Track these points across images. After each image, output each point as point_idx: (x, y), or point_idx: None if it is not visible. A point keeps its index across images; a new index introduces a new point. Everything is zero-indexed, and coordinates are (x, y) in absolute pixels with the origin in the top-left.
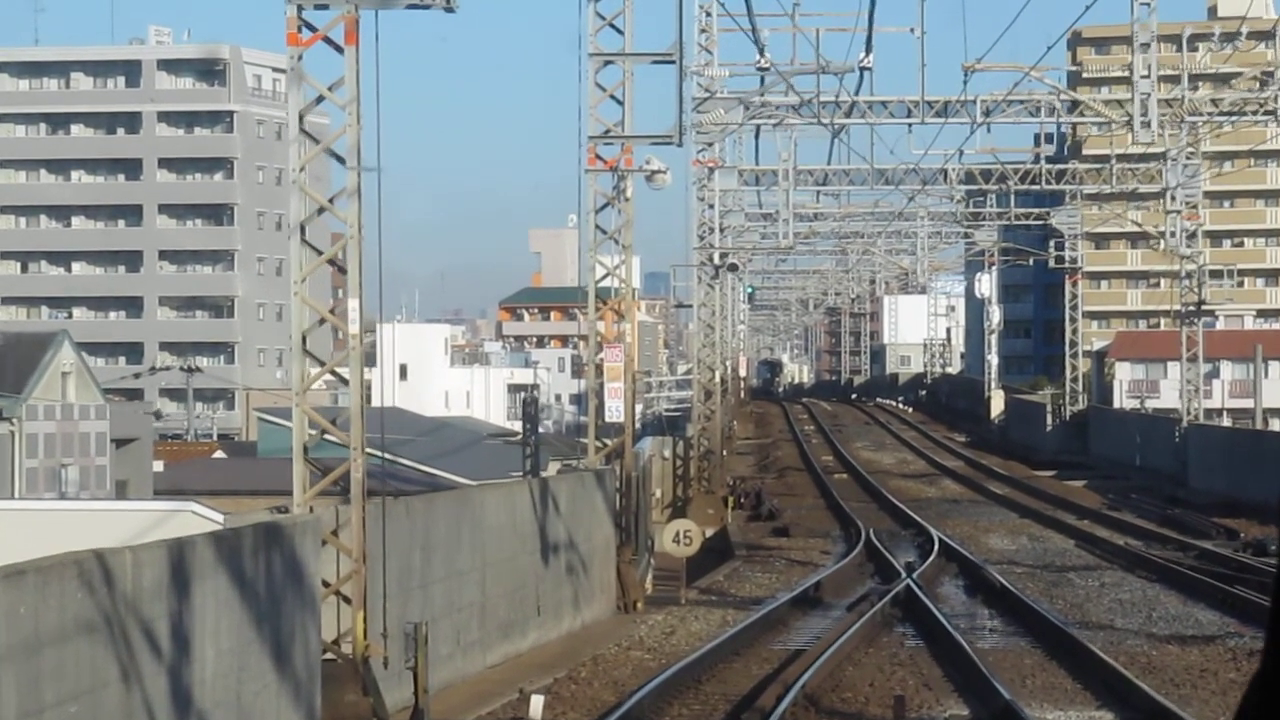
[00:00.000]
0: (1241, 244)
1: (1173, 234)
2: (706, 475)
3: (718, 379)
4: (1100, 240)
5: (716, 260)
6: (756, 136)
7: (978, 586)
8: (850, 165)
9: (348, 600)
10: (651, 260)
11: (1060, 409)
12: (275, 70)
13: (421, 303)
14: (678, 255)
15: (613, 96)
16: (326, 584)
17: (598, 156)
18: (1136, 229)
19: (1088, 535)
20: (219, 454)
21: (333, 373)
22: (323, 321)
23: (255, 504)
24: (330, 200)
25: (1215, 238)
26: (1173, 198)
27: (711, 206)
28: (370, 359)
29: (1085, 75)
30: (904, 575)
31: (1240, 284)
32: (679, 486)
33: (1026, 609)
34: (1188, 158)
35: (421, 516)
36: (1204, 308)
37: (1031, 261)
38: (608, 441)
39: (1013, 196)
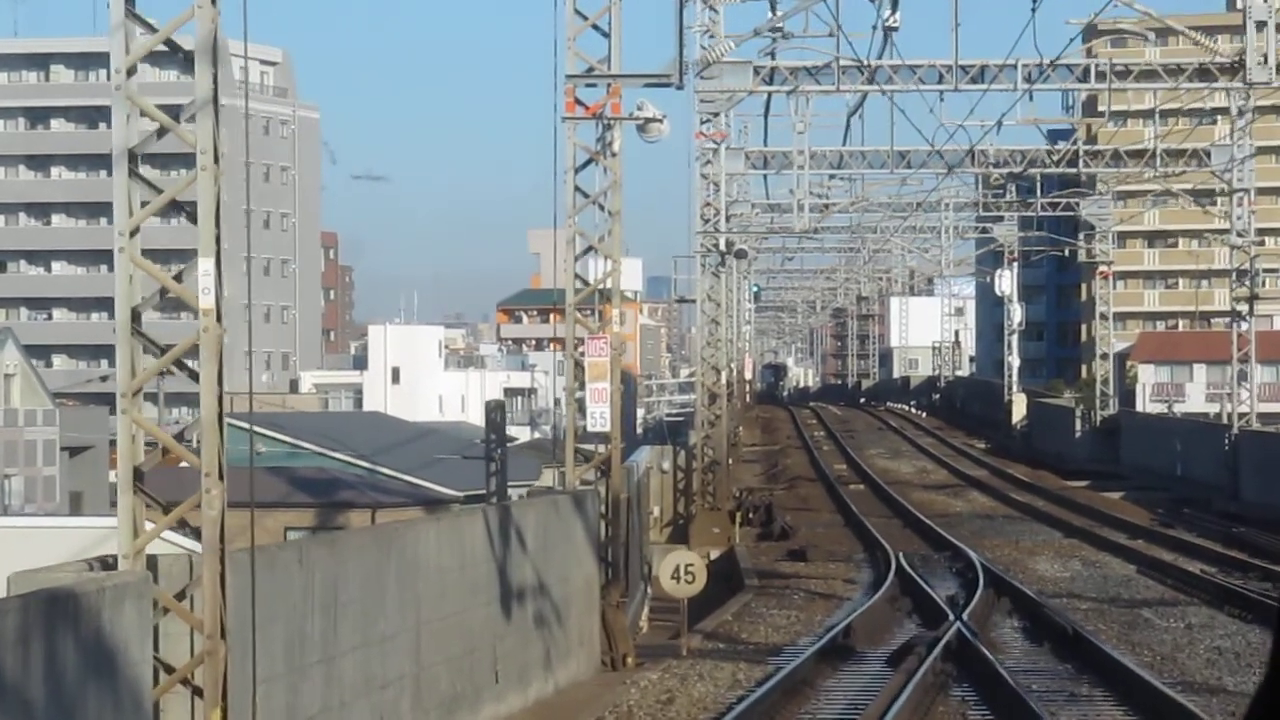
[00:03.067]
0: (1262, 242)
1: (1237, 218)
2: (711, 489)
3: (723, 381)
4: (1116, 239)
5: (722, 246)
6: (766, 114)
7: (1041, 630)
8: (868, 146)
9: (200, 692)
10: (654, 263)
11: (1090, 414)
12: (263, 63)
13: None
14: (681, 251)
15: (596, 26)
16: (171, 669)
17: (577, 101)
18: (1154, 228)
19: (1148, 559)
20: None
21: (179, 364)
22: (165, 293)
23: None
24: (185, 118)
25: (1219, 234)
26: (1235, 180)
27: (717, 185)
28: (361, 362)
29: (1100, 70)
30: (951, 616)
31: (1262, 284)
32: (680, 502)
33: (1112, 665)
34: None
35: (323, 566)
36: (1258, 302)
37: (1044, 261)
38: (590, 453)
39: (1039, 185)
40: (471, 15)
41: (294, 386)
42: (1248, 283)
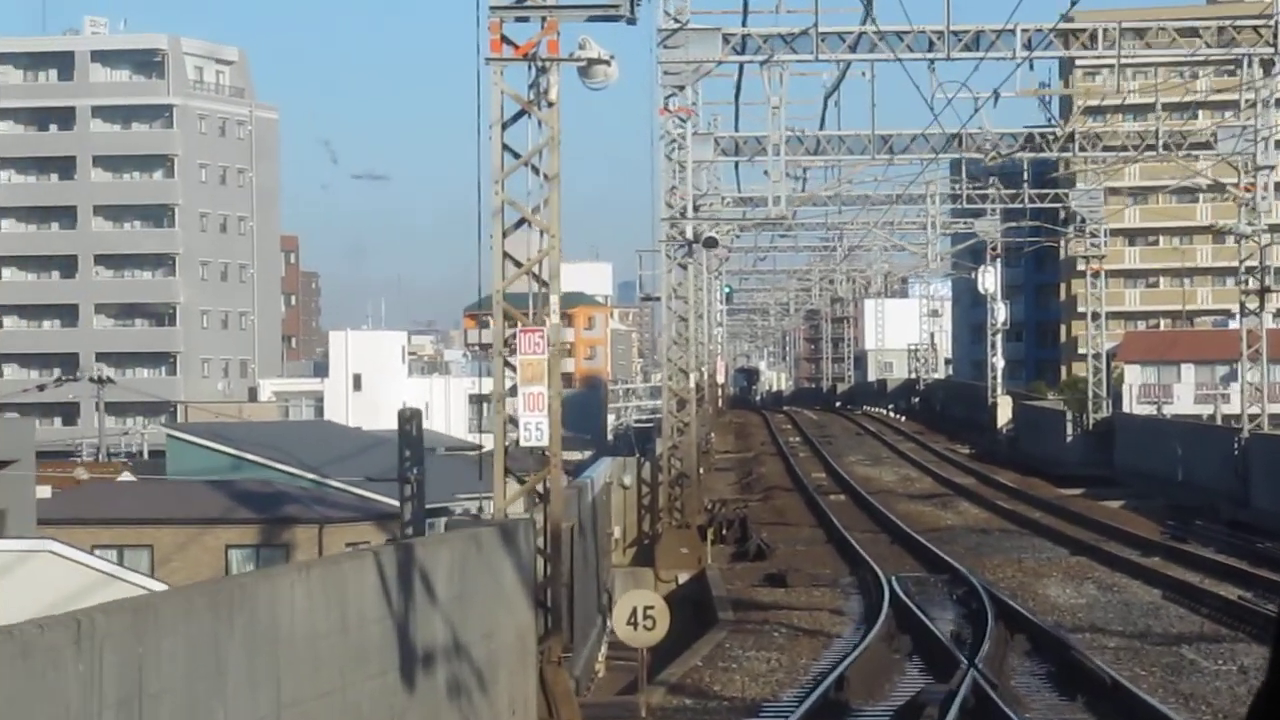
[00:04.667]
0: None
1: (1261, 198)
2: (679, 504)
3: (692, 384)
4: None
5: (690, 234)
6: (738, 95)
7: (1070, 677)
8: (847, 130)
9: None
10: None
11: (1082, 417)
12: (219, 62)
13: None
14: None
15: None
16: None
17: (504, 39)
18: (1135, 225)
19: (1172, 581)
20: (126, 475)
21: None
22: None
23: (154, 535)
24: None
25: (1218, 233)
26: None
27: (683, 167)
28: (322, 369)
29: (1078, 65)
30: (961, 660)
31: (1245, 282)
32: (645, 520)
33: None
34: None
35: (120, 645)
36: (1268, 295)
37: (1022, 260)
38: (525, 477)
39: (1027, 172)
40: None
41: (253, 395)
42: (1259, 276)
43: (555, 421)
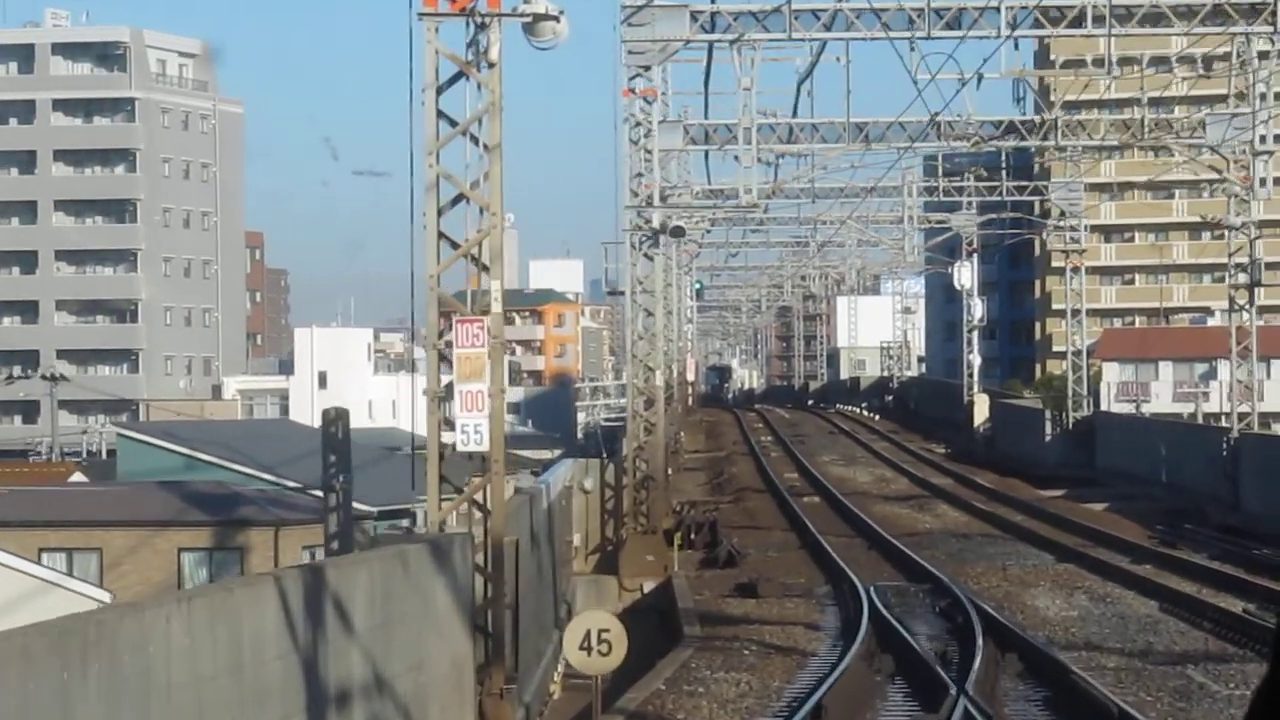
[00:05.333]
0: (1222, 236)
1: (1260, 183)
2: (645, 508)
3: (659, 381)
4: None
5: (656, 222)
6: (707, 80)
7: (1073, 704)
8: (820, 118)
9: None
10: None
11: (1061, 416)
12: (181, 55)
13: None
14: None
15: None
16: None
17: None
18: (1110, 222)
19: (1168, 592)
20: (78, 476)
21: None
22: None
23: (104, 538)
24: None
25: (1194, 229)
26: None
27: (649, 152)
28: (287, 367)
29: (1052, 57)
30: (950, 685)
31: (1221, 279)
32: (608, 526)
33: None
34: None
35: None
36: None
37: (996, 256)
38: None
39: (1005, 163)
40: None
41: (216, 392)
42: (1248, 270)
43: (498, 423)
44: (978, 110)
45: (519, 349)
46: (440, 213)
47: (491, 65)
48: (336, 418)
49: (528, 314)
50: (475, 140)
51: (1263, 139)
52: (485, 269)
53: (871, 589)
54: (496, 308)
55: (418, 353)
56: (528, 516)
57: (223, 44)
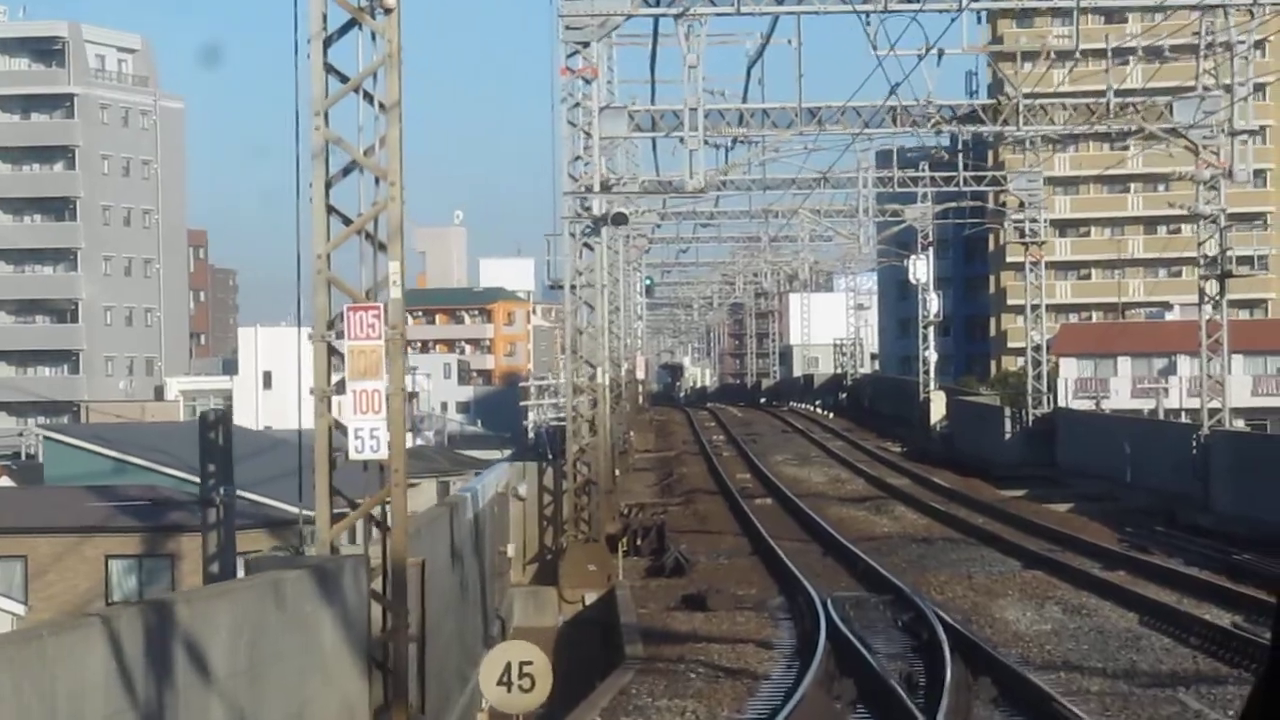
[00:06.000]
0: (1178, 230)
1: (1239, 167)
2: (586, 515)
3: (602, 379)
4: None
5: (596, 210)
6: (653, 61)
7: None
8: (771, 104)
9: None
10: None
11: (1020, 413)
12: (120, 50)
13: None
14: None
15: None
16: None
17: None
18: (1065, 216)
19: (1147, 603)
20: (4, 480)
21: None
22: None
23: (29, 544)
24: None
25: (1150, 224)
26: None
27: (588, 134)
28: (231, 367)
29: (1006, 51)
30: (920, 717)
31: (1178, 273)
32: (547, 533)
33: None
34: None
35: None
36: (1227, 280)
37: (950, 252)
38: (359, 501)
39: (962, 153)
40: None
41: (159, 393)
42: (1219, 261)
43: (398, 427)
44: (935, 98)
45: (468, 348)
46: (329, 184)
47: (388, 11)
48: (216, 421)
49: (477, 312)
50: (369, 98)
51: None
52: (382, 248)
53: (829, 601)
54: (396, 293)
55: None
56: (447, 529)
57: (163, 38)
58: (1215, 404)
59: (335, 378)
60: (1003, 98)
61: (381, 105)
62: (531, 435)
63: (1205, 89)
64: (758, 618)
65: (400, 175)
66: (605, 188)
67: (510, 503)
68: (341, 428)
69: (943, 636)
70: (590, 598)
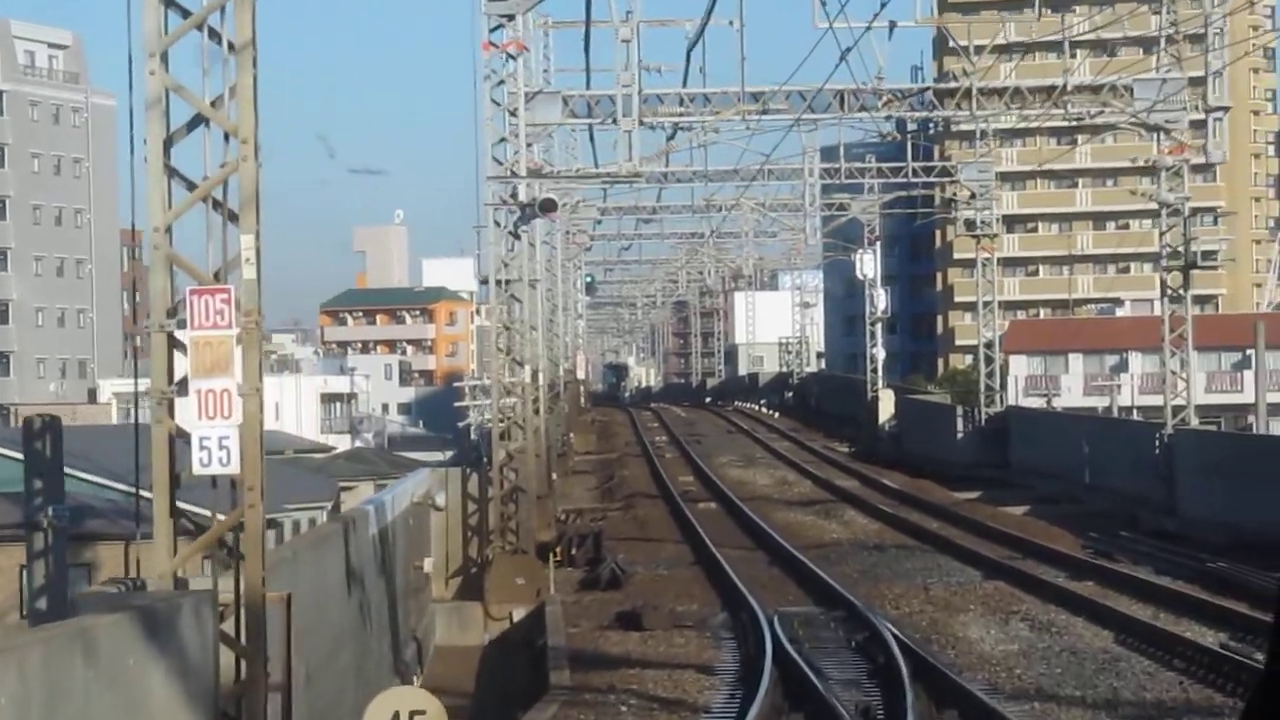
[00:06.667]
0: (1127, 226)
1: (1214, 148)
2: (514, 524)
3: (531, 378)
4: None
5: (523, 196)
6: (587, 43)
7: None
8: (712, 88)
9: None
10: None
11: (973, 412)
12: (51, 46)
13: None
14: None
15: None
16: None
17: None
18: (1012, 212)
19: (1118, 617)
20: None
21: None
22: None
23: None
24: None
25: (1099, 219)
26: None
27: (513, 114)
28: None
29: (951, 45)
30: None
31: (1126, 269)
32: (471, 544)
33: None
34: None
35: None
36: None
37: (896, 248)
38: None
39: (911, 150)
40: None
41: (92, 396)
42: (1183, 252)
43: (253, 435)
44: (885, 75)
45: (410, 348)
46: (170, 141)
47: None
48: (44, 429)
49: (419, 312)
50: (215, 36)
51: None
52: (233, 219)
53: (775, 618)
54: (250, 272)
55: (300, 351)
56: (341, 549)
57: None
58: (1179, 401)
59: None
60: (957, 71)
61: (231, 45)
62: (475, 436)
63: (1167, 71)
64: (698, 638)
65: (255, 131)
66: (533, 172)
67: (431, 512)
68: (185, 435)
69: (900, 661)
70: (518, 614)
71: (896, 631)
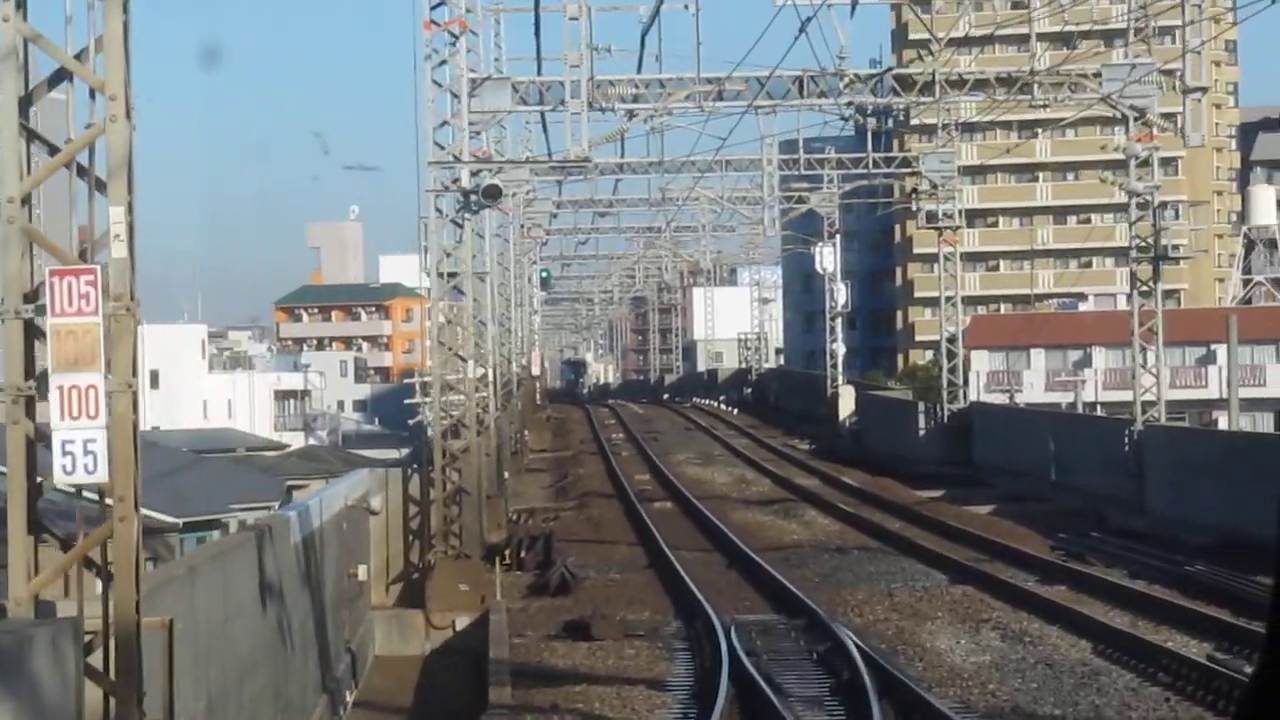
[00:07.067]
0: (1089, 220)
1: (1194, 129)
2: (457, 528)
3: (474, 373)
4: (925, 220)
5: (465, 182)
6: (537, 27)
7: None
8: (668, 74)
9: None
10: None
11: (936, 408)
12: None
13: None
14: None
15: None
16: None
17: None
18: (971, 206)
19: (1094, 626)
20: None
21: None
22: None
23: None
24: None
25: (1059, 214)
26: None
27: (456, 96)
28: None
29: (912, 38)
30: None
31: (1088, 264)
32: (413, 549)
33: None
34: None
35: None
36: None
37: (855, 242)
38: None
39: (871, 138)
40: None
41: (41, 393)
42: (1153, 244)
43: (124, 437)
44: (847, 53)
45: (366, 345)
46: (28, 99)
47: None
48: None
49: (374, 309)
50: None
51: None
52: (101, 188)
53: (732, 627)
54: (120, 250)
55: (252, 349)
56: (253, 561)
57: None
58: (1149, 396)
59: (216, 376)
60: (920, 53)
61: None
62: (432, 433)
63: (1137, 56)
64: (650, 649)
65: (126, 87)
66: (478, 159)
67: (369, 520)
68: (44, 437)
69: (866, 674)
70: (462, 622)
71: (860, 642)
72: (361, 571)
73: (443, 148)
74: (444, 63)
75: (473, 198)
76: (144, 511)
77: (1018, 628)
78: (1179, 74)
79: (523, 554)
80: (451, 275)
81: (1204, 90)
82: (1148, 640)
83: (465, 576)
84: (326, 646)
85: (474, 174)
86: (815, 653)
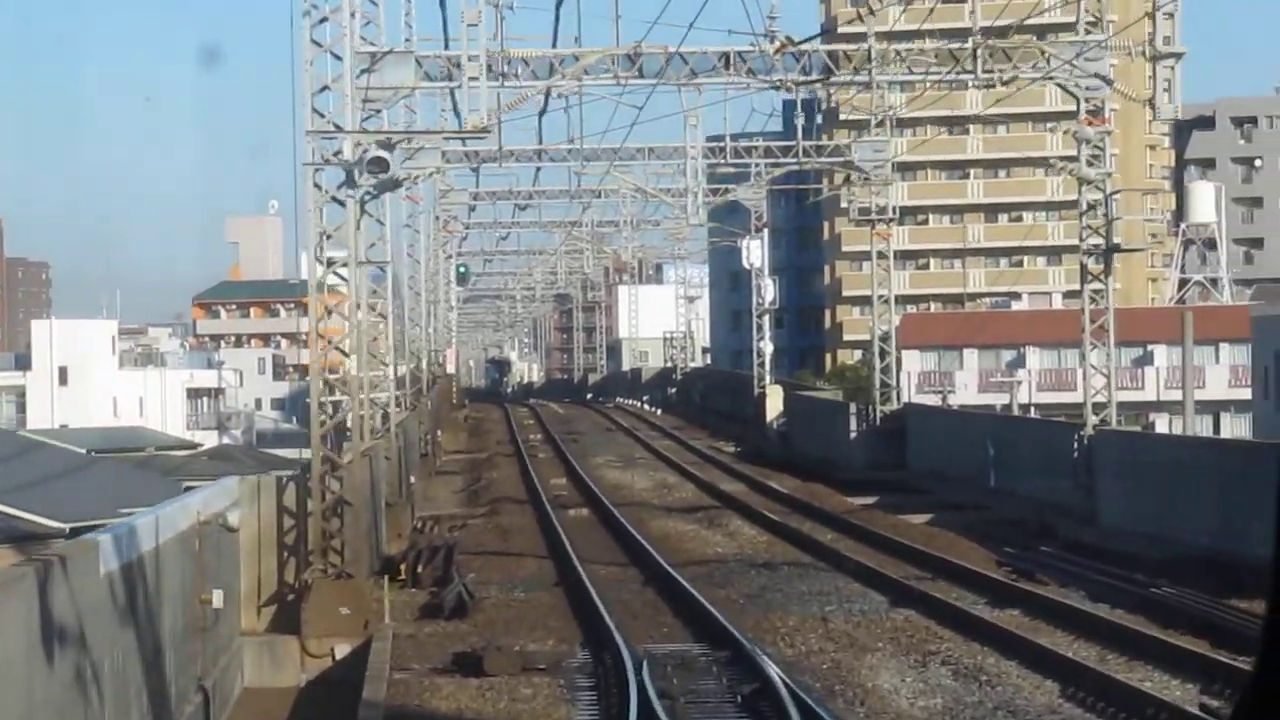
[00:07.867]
0: (1020, 218)
1: (1170, 106)
2: (337, 544)
3: (357, 369)
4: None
5: (348, 153)
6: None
7: None
8: (586, 48)
9: None
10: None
11: (868, 410)
12: None
13: (141, 305)
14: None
15: None
16: None
17: None
18: (900, 203)
19: (1057, 660)
20: None
21: None
22: None
23: None
24: None
25: (990, 211)
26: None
27: (338, 58)
28: (24, 361)
29: (841, 30)
30: None
31: (1020, 263)
32: (288, 567)
33: None
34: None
35: None
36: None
37: (782, 240)
38: None
39: (800, 129)
40: None
41: None
42: (1105, 235)
43: None
44: (777, 26)
45: (285, 342)
46: None
47: None
48: None
49: (293, 305)
50: None
51: (1167, 39)
52: None
53: (645, 661)
54: None
55: (164, 346)
56: (30, 602)
57: None
58: (1099, 398)
59: (126, 373)
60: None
61: None
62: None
63: (1087, 28)
64: (549, 687)
65: None
66: (365, 131)
67: (232, 537)
68: None
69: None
70: (341, 650)
71: (791, 681)
72: (216, 598)
73: (323, 116)
74: (325, 20)
75: (357, 172)
76: (23, 515)
77: (971, 663)
78: (1149, 37)
79: (419, 569)
80: (332, 262)
81: (1178, 56)
82: (1122, 681)
83: (346, 599)
84: (164, 686)
85: (364, 150)
86: (739, 695)
